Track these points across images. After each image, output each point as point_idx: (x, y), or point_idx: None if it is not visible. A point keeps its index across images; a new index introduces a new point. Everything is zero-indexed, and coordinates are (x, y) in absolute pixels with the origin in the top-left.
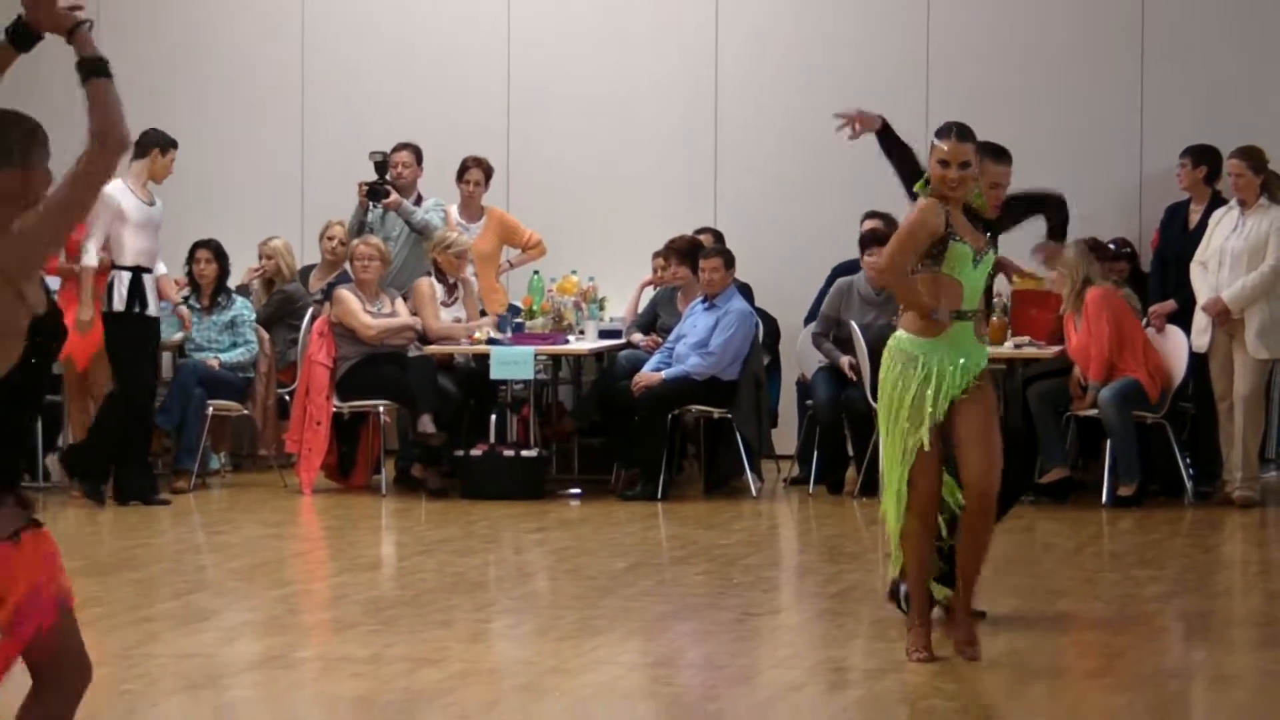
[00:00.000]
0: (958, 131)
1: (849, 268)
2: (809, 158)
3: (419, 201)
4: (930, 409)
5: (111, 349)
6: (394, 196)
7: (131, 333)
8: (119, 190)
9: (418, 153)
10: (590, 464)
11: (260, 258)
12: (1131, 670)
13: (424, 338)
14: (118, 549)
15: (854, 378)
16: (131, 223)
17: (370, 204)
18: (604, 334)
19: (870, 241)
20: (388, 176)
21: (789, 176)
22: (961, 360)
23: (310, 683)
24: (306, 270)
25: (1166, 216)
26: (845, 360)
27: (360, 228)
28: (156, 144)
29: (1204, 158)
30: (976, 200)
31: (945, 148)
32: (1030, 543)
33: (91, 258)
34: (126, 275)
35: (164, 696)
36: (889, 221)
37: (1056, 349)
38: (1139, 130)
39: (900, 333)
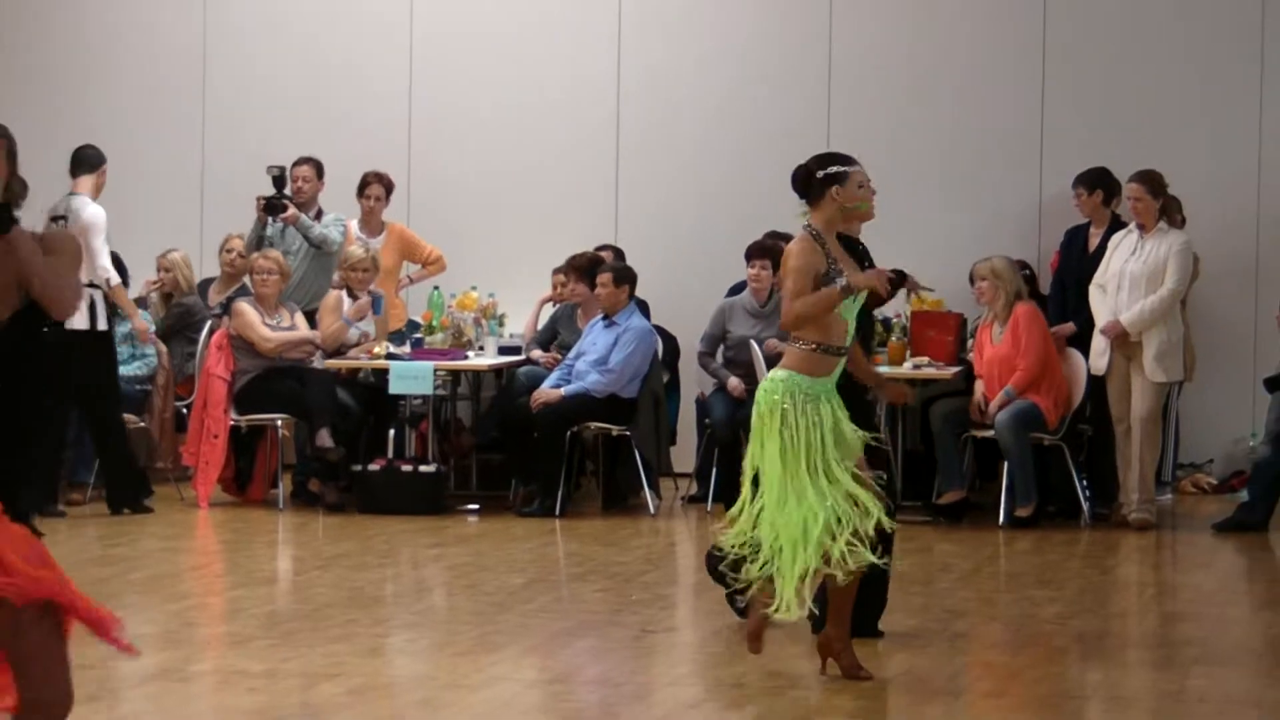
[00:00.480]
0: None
1: (744, 288)
2: (710, 177)
3: (319, 216)
4: (852, 439)
5: (81, 368)
6: (291, 211)
7: (97, 350)
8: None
9: (318, 167)
10: (489, 480)
11: (159, 270)
12: (1028, 691)
13: (324, 344)
14: None
15: (744, 398)
16: (101, 238)
17: (268, 219)
18: (503, 350)
19: (755, 253)
20: (286, 191)
21: (690, 195)
22: (834, 397)
23: (206, 696)
24: (206, 283)
25: (1066, 239)
26: (732, 381)
27: (258, 242)
28: (101, 159)
29: (1099, 182)
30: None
31: (861, 170)
32: (928, 563)
33: (113, 275)
34: (89, 292)
35: None
36: (789, 240)
37: (955, 370)
38: (1038, 153)
39: (789, 373)
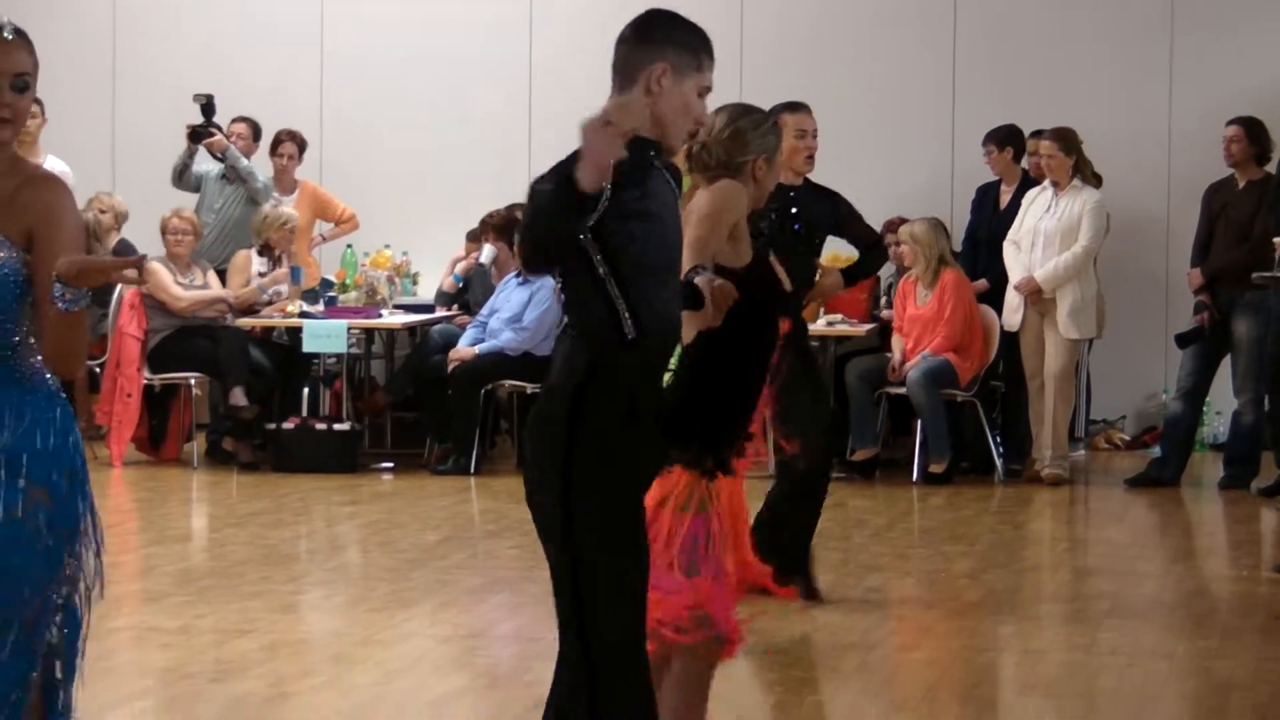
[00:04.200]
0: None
1: None
2: None
3: None
4: None
5: None
6: (218, 138)
7: None
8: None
9: (255, 127)
10: (403, 438)
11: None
12: (941, 644)
13: (231, 303)
14: None
15: None
16: None
17: (195, 148)
18: (416, 309)
19: None
20: (214, 119)
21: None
22: None
23: (120, 652)
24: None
25: (978, 196)
26: None
27: (181, 172)
28: None
29: (1009, 139)
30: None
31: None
32: (842, 519)
33: None
34: None
35: None
36: None
37: (869, 327)
38: (950, 111)
39: None
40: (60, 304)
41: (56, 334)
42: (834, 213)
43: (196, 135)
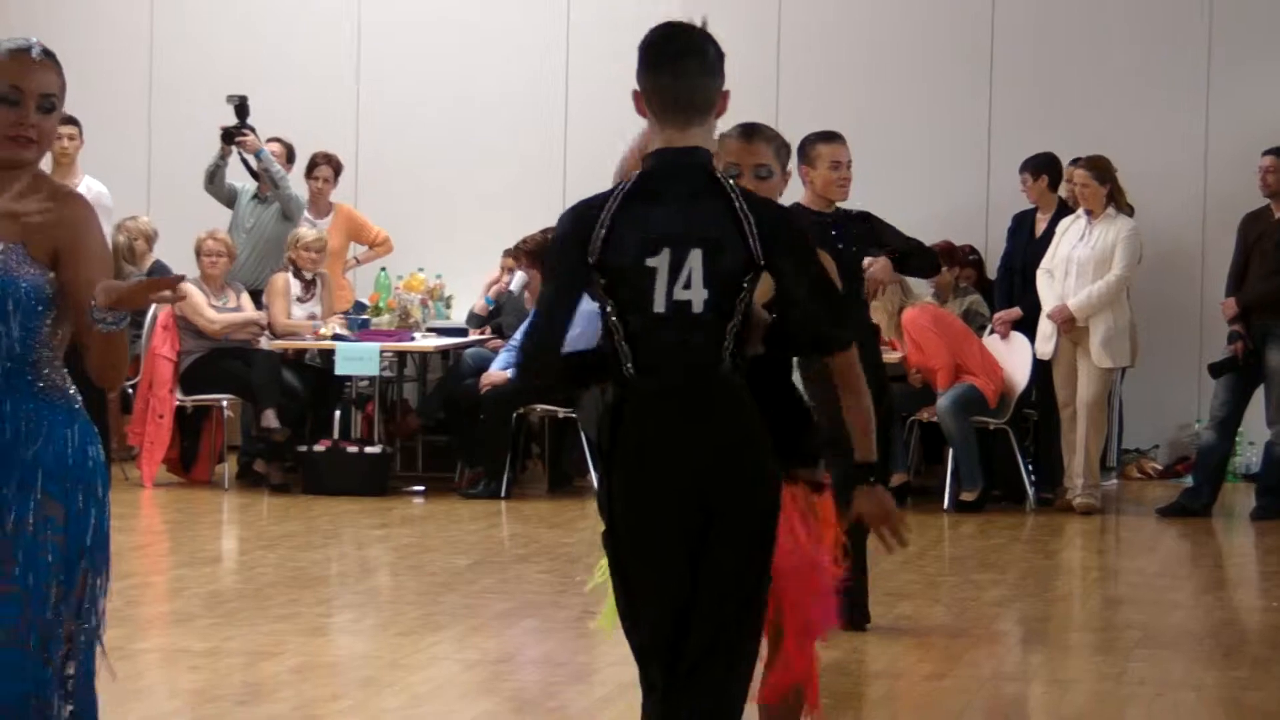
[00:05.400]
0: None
1: None
2: None
3: None
4: None
5: None
6: (251, 139)
7: None
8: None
9: (289, 149)
10: (434, 461)
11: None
12: (970, 673)
13: (274, 331)
14: None
15: None
16: None
17: (230, 149)
18: (449, 332)
19: None
20: (248, 121)
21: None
22: None
23: (148, 674)
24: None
25: (1014, 224)
26: None
27: (214, 174)
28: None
29: (1044, 168)
30: None
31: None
32: (872, 545)
33: None
34: None
35: None
36: None
37: (897, 355)
38: (986, 139)
39: None
40: (100, 326)
41: (99, 351)
42: (871, 231)
43: (229, 135)
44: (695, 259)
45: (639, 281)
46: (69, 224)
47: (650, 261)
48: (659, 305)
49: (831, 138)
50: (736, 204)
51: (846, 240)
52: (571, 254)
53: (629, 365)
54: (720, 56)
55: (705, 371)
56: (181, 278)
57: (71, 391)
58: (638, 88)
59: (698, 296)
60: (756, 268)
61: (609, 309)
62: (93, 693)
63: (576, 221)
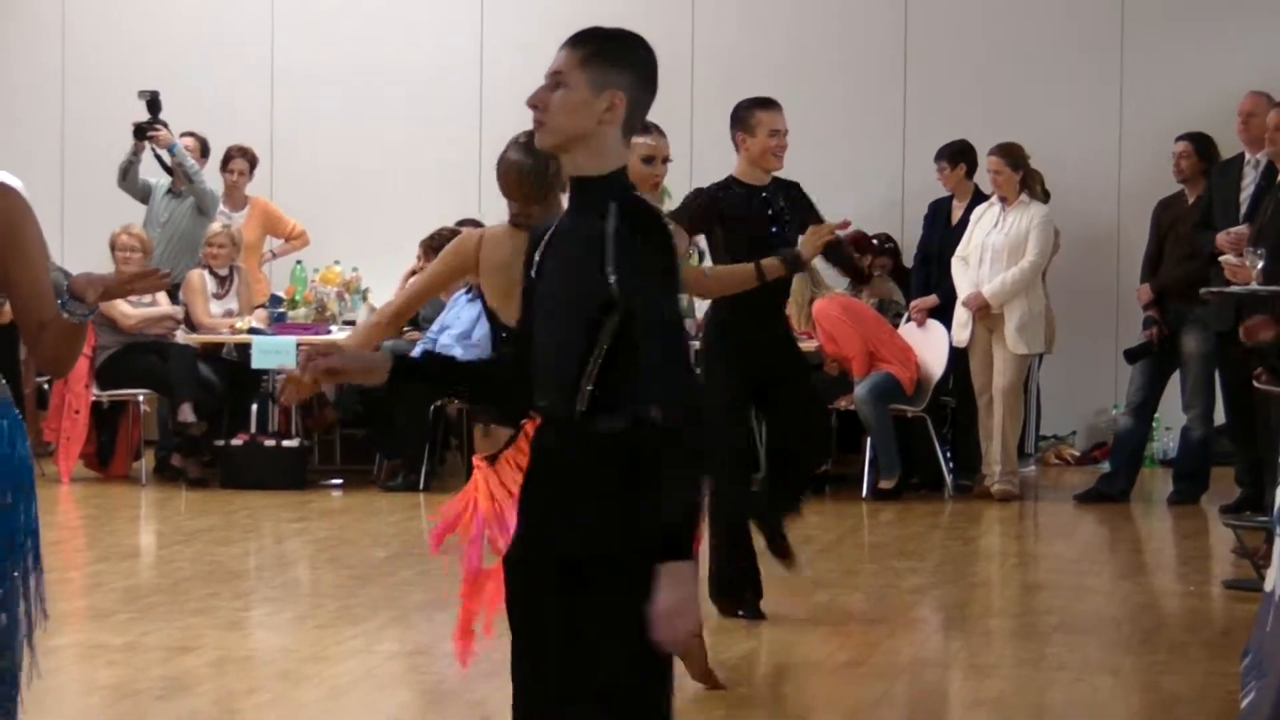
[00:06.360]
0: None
1: None
2: None
3: None
4: None
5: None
6: (164, 134)
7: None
8: None
9: (203, 143)
10: (352, 455)
11: None
12: (888, 660)
13: (192, 325)
14: None
15: None
16: None
17: (143, 146)
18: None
19: None
20: (160, 116)
21: None
22: None
23: (66, 669)
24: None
25: (930, 212)
26: None
27: (127, 170)
28: None
29: (960, 155)
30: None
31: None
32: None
33: None
34: None
35: None
36: None
37: (814, 344)
38: (901, 128)
39: None
40: (72, 317)
41: (59, 341)
42: (804, 199)
43: (141, 131)
44: None
45: None
46: (4, 220)
47: None
48: None
49: (769, 104)
50: None
51: (779, 211)
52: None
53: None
54: None
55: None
56: (168, 274)
57: (2, 383)
58: (624, 94)
59: None
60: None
61: None
62: (16, 687)
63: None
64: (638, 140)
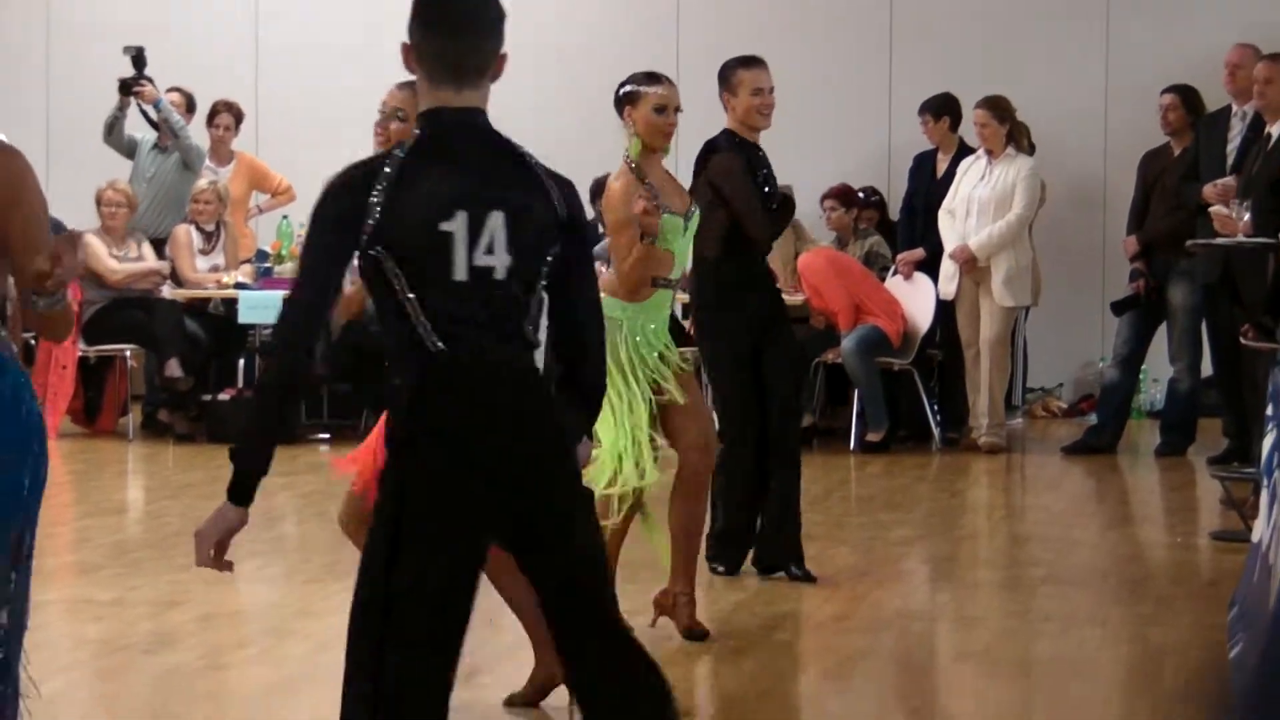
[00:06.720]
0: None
1: None
2: (552, 118)
3: None
4: (654, 365)
5: None
6: (149, 89)
7: None
8: None
9: (189, 98)
10: (339, 409)
11: None
12: (876, 612)
13: (178, 281)
14: None
15: None
16: None
17: (128, 101)
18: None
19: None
20: (145, 71)
21: (537, 134)
22: (652, 326)
23: (54, 624)
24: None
25: (914, 165)
26: None
27: (112, 126)
28: None
29: (945, 108)
30: (635, 151)
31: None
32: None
33: None
34: None
35: None
36: None
37: (801, 297)
38: (887, 82)
39: (607, 298)
40: (40, 308)
41: (40, 325)
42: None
43: (126, 87)
44: (496, 222)
45: (434, 249)
46: (5, 179)
47: (445, 226)
48: (459, 273)
49: (752, 62)
50: (536, 170)
51: (768, 170)
52: (336, 231)
53: (434, 341)
54: (501, 18)
55: (511, 343)
56: (79, 234)
57: (8, 340)
58: (408, 41)
59: (500, 262)
60: (559, 239)
61: (397, 285)
62: (20, 644)
63: (343, 194)
64: (649, 90)
